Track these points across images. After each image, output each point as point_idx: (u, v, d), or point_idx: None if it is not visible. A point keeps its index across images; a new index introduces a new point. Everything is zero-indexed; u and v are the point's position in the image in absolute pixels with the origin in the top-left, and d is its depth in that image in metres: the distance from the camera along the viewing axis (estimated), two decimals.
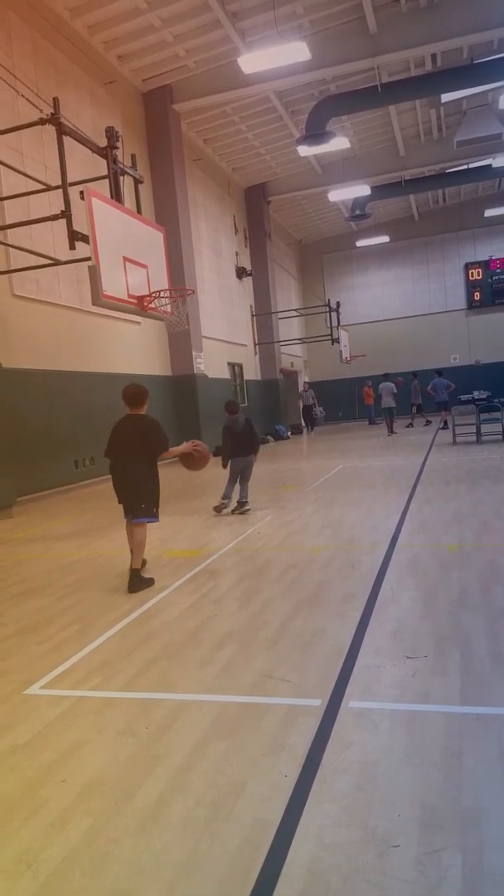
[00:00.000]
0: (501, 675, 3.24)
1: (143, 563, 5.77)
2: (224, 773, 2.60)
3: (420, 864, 2.03)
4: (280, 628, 4.16)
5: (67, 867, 2.15)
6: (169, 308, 9.32)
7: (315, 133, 15.64)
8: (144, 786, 2.56)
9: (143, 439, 5.54)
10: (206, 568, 5.86)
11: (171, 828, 2.30)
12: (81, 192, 8.10)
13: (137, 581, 5.39)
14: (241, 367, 22.05)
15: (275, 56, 13.20)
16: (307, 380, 29.67)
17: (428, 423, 22.16)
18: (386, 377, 20.20)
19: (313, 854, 2.12)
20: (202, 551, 6.52)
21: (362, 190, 21.98)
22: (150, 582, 5.50)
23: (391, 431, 19.66)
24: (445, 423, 18.74)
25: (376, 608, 4.38)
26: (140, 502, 5.54)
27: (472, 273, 28.78)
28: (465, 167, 23.01)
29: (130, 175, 9.20)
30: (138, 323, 14.77)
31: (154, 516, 5.63)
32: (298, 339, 27.83)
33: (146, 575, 5.63)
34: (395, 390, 19.53)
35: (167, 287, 9.41)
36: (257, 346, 23.61)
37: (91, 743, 2.93)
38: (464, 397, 19.78)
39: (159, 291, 8.99)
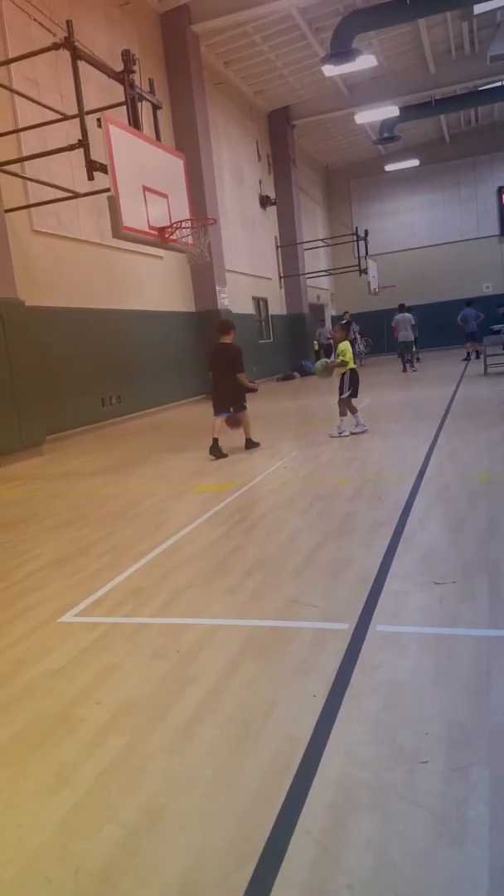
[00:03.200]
0: None
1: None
2: (254, 694, 2.65)
3: (448, 779, 2.06)
4: (308, 557, 4.18)
5: (104, 782, 2.23)
6: (190, 240, 9.10)
7: (340, 51, 14.88)
8: (177, 706, 2.62)
9: (228, 361, 8.19)
10: (234, 500, 5.89)
11: (203, 745, 2.36)
12: (98, 121, 7.84)
13: (252, 444, 8.48)
14: (265, 301, 21.68)
15: None
16: (334, 312, 29.12)
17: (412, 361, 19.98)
18: (402, 308, 19.37)
19: (342, 769, 2.16)
20: (230, 485, 6.54)
21: (390, 111, 20.98)
22: (258, 444, 8.55)
23: (405, 368, 17.97)
24: (477, 353, 18.31)
25: (404, 537, 4.37)
26: (234, 403, 8.31)
27: None
28: (500, 84, 21.73)
29: (148, 100, 8.86)
30: (160, 257, 14.52)
31: (244, 408, 8.39)
32: (325, 271, 27.16)
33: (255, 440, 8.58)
34: (415, 321, 18.69)
35: (188, 217, 9.16)
36: (282, 280, 23.12)
37: (124, 666, 3.00)
38: (496, 327, 19.22)
39: (180, 222, 8.76)
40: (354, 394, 8.61)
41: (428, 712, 2.40)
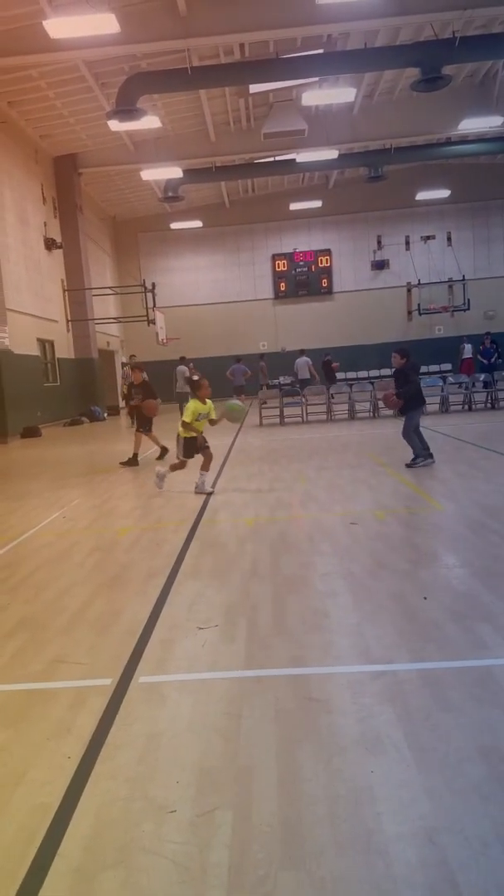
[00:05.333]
0: (281, 637, 3.47)
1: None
2: (3, 763, 2.52)
3: (194, 826, 2.12)
4: (77, 613, 4.09)
5: None
6: None
7: (125, 109, 15.28)
8: None
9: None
10: (2, 556, 5.59)
11: None
12: None
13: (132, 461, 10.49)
14: (52, 343, 21.13)
15: (82, 24, 12.67)
16: (124, 359, 29.19)
17: None
18: (182, 360, 20.41)
19: (91, 831, 2.13)
20: None
21: (174, 172, 21.88)
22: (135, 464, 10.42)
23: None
24: None
25: (175, 584, 4.46)
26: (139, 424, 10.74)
27: (278, 264, 29.96)
28: (272, 159, 23.74)
29: None
30: None
31: (143, 430, 10.65)
32: (114, 319, 27.22)
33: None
34: (188, 374, 19.91)
35: None
36: (70, 323, 22.75)
37: None
38: (270, 382, 20.80)
39: None
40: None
41: (180, 760, 2.46)
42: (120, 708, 2.86)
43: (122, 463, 10.59)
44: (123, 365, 25.03)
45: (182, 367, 19.54)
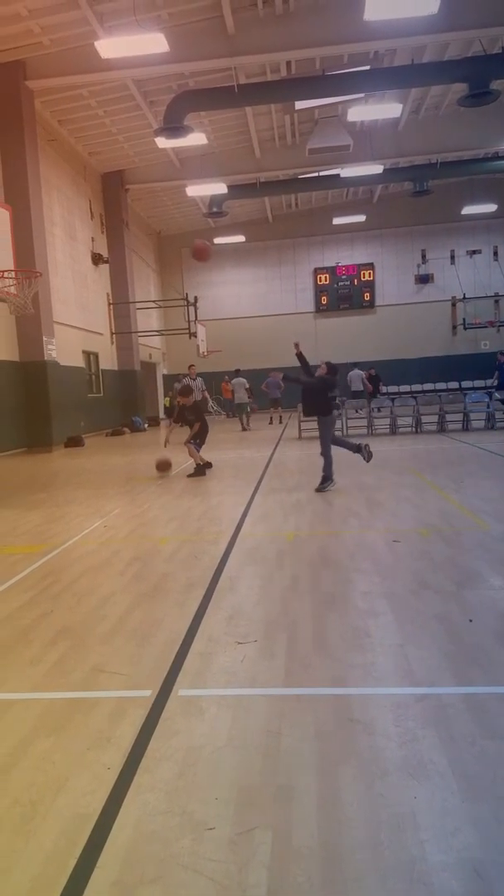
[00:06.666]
0: (321, 656, 3.43)
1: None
2: (45, 771, 2.54)
3: (233, 844, 2.10)
4: (118, 622, 4.12)
5: None
6: (13, 290, 8.90)
7: (173, 126, 15.56)
8: None
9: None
10: (46, 563, 5.67)
11: None
12: None
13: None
14: (96, 355, 21.51)
15: (133, 44, 12.98)
16: (166, 371, 29.51)
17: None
18: (238, 373, 20.72)
19: (130, 843, 2.12)
20: (43, 546, 6.30)
21: (219, 188, 22.15)
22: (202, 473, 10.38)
23: (244, 427, 19.47)
24: (280, 418, 21.17)
25: (214, 597, 4.46)
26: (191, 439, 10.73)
27: (320, 278, 30.01)
28: (316, 174, 23.85)
29: None
30: None
31: (189, 444, 10.65)
32: (157, 331, 27.58)
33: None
34: (248, 385, 20.08)
35: (12, 268, 8.98)
36: (114, 336, 23.13)
37: None
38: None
39: (3, 272, 8.57)
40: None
41: (220, 777, 2.44)
42: (159, 720, 2.86)
43: (189, 476, 10.60)
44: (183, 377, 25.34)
45: (241, 380, 19.87)
